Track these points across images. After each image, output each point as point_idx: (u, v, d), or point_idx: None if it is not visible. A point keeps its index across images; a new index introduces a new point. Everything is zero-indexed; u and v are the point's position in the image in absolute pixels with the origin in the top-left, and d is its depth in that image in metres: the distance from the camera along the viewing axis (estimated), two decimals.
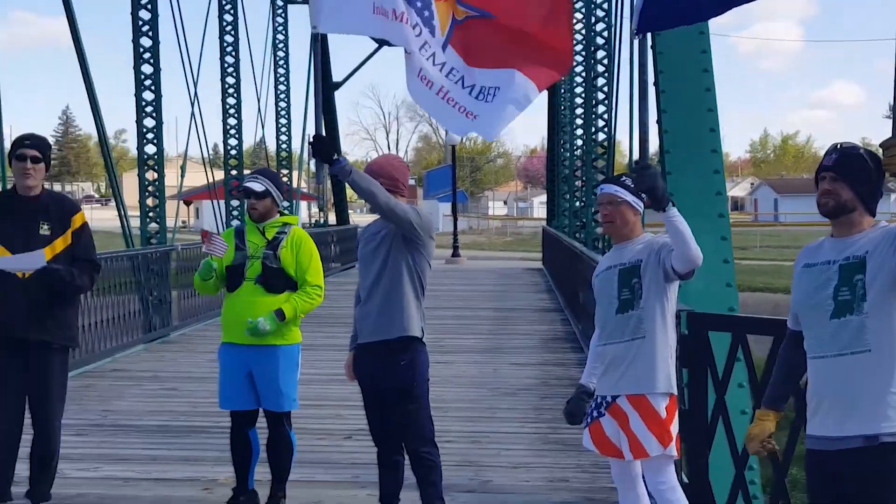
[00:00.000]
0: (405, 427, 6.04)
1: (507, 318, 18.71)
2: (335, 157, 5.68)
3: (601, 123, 22.65)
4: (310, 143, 5.78)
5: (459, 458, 8.22)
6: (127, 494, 7.28)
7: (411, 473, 6.19)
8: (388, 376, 5.98)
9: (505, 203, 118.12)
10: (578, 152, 26.86)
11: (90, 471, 7.91)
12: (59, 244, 6.36)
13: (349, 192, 39.83)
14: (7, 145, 7.59)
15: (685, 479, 6.41)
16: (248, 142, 28.24)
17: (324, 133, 5.87)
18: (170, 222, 19.36)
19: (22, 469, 6.62)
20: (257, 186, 6.60)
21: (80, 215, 6.52)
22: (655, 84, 11.12)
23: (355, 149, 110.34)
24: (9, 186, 6.78)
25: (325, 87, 33.80)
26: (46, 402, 6.42)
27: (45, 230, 6.33)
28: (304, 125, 32.48)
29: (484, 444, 8.91)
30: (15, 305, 6.23)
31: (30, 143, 6.30)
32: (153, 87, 18.37)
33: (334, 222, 35.69)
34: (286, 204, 29.51)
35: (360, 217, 56.62)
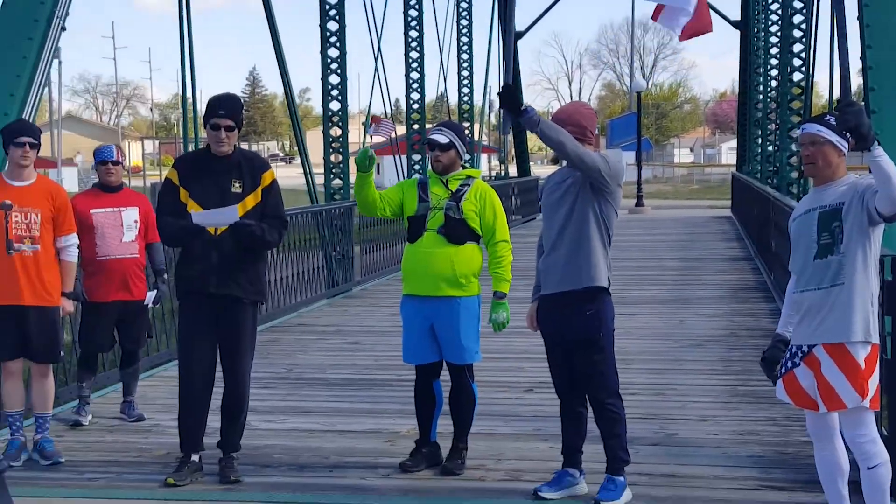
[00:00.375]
0: (590, 378, 5.95)
1: (694, 268, 18.27)
2: (523, 107, 5.66)
3: (798, 63, 21.78)
4: (498, 93, 5.75)
5: (644, 410, 8.02)
6: (311, 446, 7.35)
7: (594, 426, 6.08)
8: (574, 327, 5.89)
9: (691, 150, 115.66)
10: (773, 94, 26.02)
11: (276, 423, 8.02)
12: (250, 201, 6.46)
13: (530, 143, 39.62)
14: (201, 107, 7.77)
15: (884, 432, 6.05)
16: (430, 96, 28.25)
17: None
18: (353, 178, 19.51)
19: (213, 420, 6.74)
20: (442, 138, 6.54)
21: (269, 173, 6.61)
22: (859, 18, 10.55)
23: (537, 99, 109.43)
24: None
25: (510, 37, 33.59)
26: (237, 355, 6.54)
27: (236, 188, 6.45)
28: (486, 77, 32.40)
29: (669, 396, 8.67)
30: (207, 261, 6.38)
31: (223, 114, 6.40)
32: (338, 44, 18.54)
33: (515, 174, 35.56)
34: (468, 157, 29.64)
35: (541, 169, 56.32)
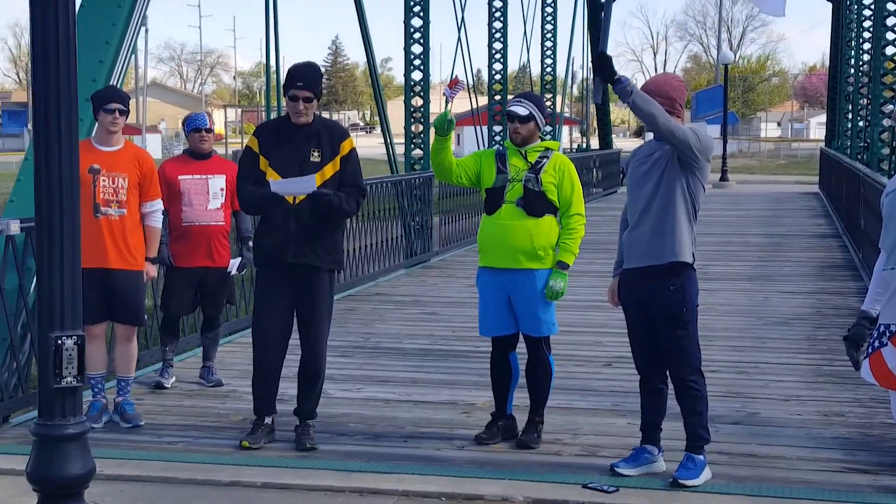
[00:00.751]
0: (671, 354, 5.87)
1: (779, 245, 17.97)
2: (617, 76, 5.62)
3: (891, 36, 21.20)
4: (592, 60, 5.65)
5: (725, 388, 7.89)
6: (387, 415, 7.34)
7: (673, 403, 5.99)
8: (657, 302, 5.81)
9: (779, 124, 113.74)
10: (864, 68, 25.46)
11: (352, 391, 8.03)
12: (329, 170, 6.46)
13: (613, 115, 39.25)
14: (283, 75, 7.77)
15: None
16: (512, 66, 28.07)
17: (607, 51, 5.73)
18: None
19: (289, 387, 6.76)
20: (522, 110, 6.47)
21: (348, 141, 6.60)
22: None
23: (621, 70, 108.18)
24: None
25: (594, 8, 33.30)
26: (314, 323, 6.56)
27: (315, 157, 6.45)
28: (569, 48, 32.13)
29: (752, 374, 8.52)
30: (286, 230, 6.40)
31: (302, 85, 6.39)
32: (422, 13, 18.48)
33: (597, 147, 35.28)
34: (549, 129, 29.49)
35: (623, 141, 55.78)
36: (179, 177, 7.80)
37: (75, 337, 3.86)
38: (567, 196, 6.45)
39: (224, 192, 7.90)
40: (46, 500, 3.91)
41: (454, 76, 6.91)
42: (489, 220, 6.55)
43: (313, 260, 6.45)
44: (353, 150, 6.61)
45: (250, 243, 8.16)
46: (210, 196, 7.83)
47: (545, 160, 6.47)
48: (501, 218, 6.46)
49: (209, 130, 7.93)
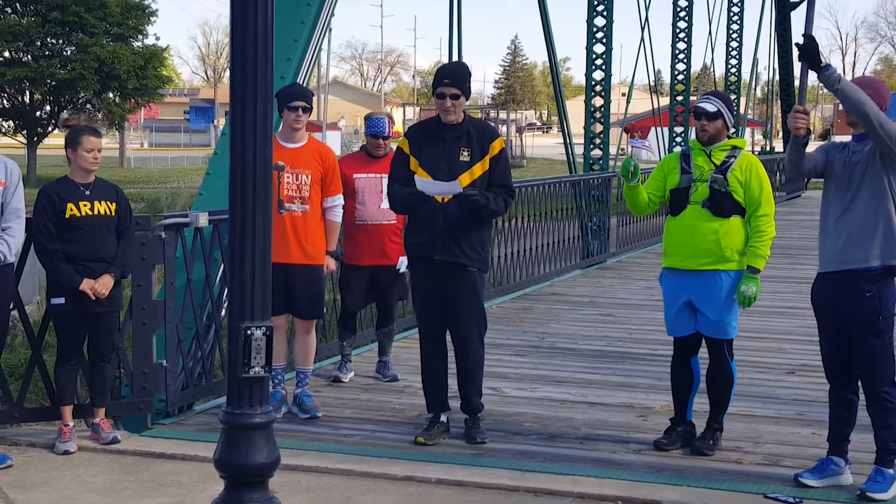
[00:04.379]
0: (864, 363, 5.65)
1: None
2: (823, 63, 5.43)
3: None
4: (797, 44, 5.52)
5: None
6: (562, 416, 7.28)
7: (863, 414, 5.79)
8: (851, 308, 5.61)
9: None
10: None
11: (528, 391, 7.99)
12: (478, 170, 6.46)
13: None
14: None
15: None
16: (694, 67, 27.62)
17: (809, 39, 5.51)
18: (612, 150, 19.36)
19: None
20: (710, 107, 6.32)
21: (498, 141, 6.60)
22: None
23: None
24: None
25: (783, 7, 32.47)
26: (462, 321, 6.57)
27: (464, 156, 6.47)
28: (755, 48, 31.40)
29: None
30: (434, 228, 6.43)
31: (449, 82, 6.43)
32: (605, 13, 18.36)
33: (781, 150, 34.36)
34: (735, 129, 28.70)
35: (809, 145, 54.11)
36: (355, 175, 7.89)
37: (264, 328, 3.93)
38: (755, 196, 6.26)
39: None
40: (233, 487, 3.98)
41: (631, 125, 6.77)
42: (674, 221, 6.41)
43: (460, 257, 6.45)
44: (502, 150, 6.59)
45: None
46: (384, 195, 7.90)
47: (733, 159, 6.30)
48: (686, 219, 6.32)
49: (386, 138, 7.99)
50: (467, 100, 6.58)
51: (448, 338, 6.66)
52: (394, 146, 8.06)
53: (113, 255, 6.47)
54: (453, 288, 6.50)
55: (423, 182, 6.38)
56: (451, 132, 6.49)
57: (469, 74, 6.65)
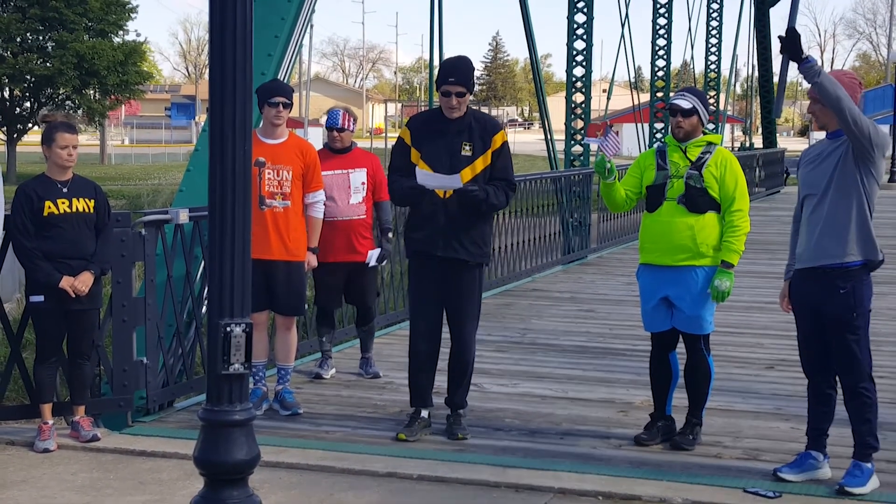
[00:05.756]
0: (841, 359, 5.68)
1: None
2: (804, 54, 5.44)
3: None
4: (779, 36, 5.52)
5: (893, 395, 7.58)
6: (542, 411, 7.30)
7: (841, 409, 5.81)
8: (827, 304, 5.63)
9: None
10: None
11: (509, 386, 8.01)
12: (479, 164, 6.46)
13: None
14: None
15: None
16: (674, 63, 27.73)
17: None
18: (593, 147, 19.38)
19: (444, 380, 6.78)
20: (685, 104, 6.34)
21: (500, 135, 6.58)
22: None
23: None
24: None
25: (761, 3, 32.56)
26: (461, 316, 6.58)
27: (466, 150, 6.45)
28: (734, 45, 31.47)
29: None
30: (435, 223, 6.43)
31: (454, 80, 6.40)
32: (585, 10, 18.42)
33: (760, 146, 34.50)
34: (711, 126, 28.89)
35: (787, 140, 54.30)
36: (322, 173, 7.86)
37: (243, 325, 3.93)
38: (729, 192, 6.29)
39: (365, 186, 7.93)
40: (213, 484, 3.97)
41: (596, 123, 6.80)
42: (650, 217, 6.44)
43: (461, 253, 6.45)
44: (504, 144, 6.58)
45: (390, 234, 8.19)
46: (352, 190, 7.87)
47: (708, 155, 6.33)
48: (662, 216, 6.34)
49: (341, 130, 7.95)
50: (472, 95, 6.58)
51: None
52: (354, 140, 8.04)
53: (92, 252, 6.46)
54: (454, 284, 6.51)
55: (424, 174, 6.37)
56: (453, 126, 6.48)
57: (473, 69, 6.63)
